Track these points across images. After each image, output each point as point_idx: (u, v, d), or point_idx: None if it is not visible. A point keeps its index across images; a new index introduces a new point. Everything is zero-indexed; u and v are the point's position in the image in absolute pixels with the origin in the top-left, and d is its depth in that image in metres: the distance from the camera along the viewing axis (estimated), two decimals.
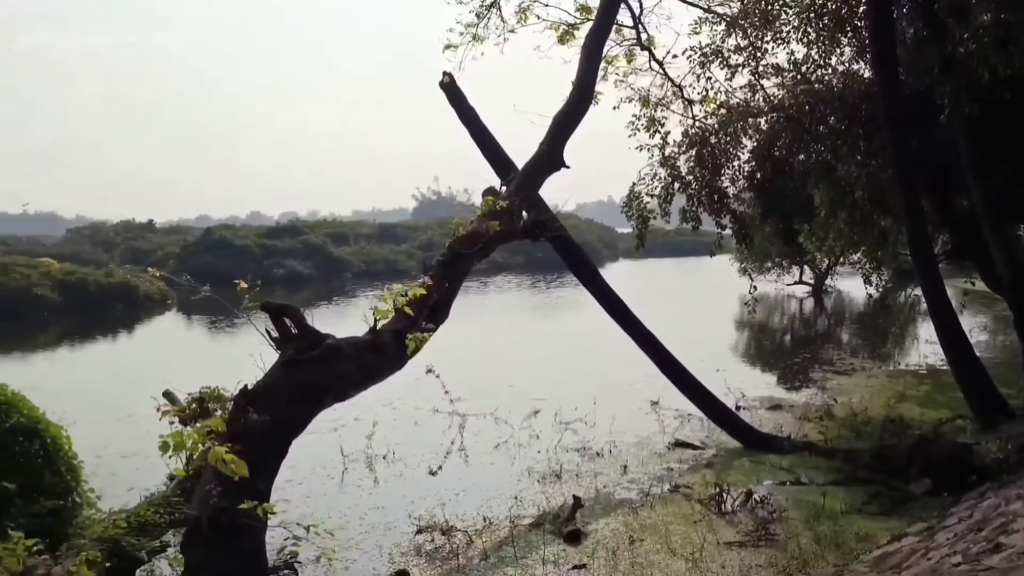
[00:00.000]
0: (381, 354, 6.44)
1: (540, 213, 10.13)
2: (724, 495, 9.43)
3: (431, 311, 7.01)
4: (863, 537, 8.18)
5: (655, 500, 9.81)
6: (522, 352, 23.53)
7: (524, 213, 9.25)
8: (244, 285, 6.31)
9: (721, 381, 15.04)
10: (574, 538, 8.56)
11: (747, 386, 16.14)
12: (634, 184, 15.88)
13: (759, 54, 15.03)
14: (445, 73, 11.20)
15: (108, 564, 6.57)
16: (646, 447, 12.60)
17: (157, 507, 7.56)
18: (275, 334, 6.10)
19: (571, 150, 10.50)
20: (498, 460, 12.22)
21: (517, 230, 8.45)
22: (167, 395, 9.37)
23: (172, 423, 7.82)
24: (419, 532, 8.91)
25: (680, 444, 12.65)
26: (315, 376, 5.80)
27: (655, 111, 15.51)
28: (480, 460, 12.21)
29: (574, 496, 9.47)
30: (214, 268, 52.43)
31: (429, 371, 13.25)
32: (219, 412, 6.79)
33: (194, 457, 5.11)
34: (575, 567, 7.78)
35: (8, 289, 36.66)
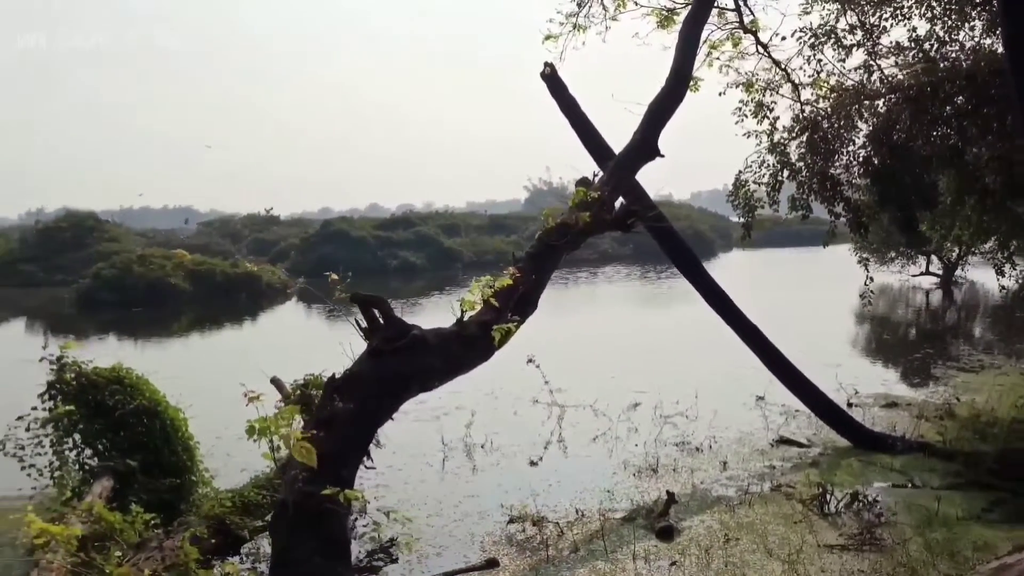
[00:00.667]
0: (467, 345, 6.51)
1: (636, 203, 9.98)
2: (828, 496, 9.04)
3: (518, 303, 7.02)
4: (981, 546, 7.66)
5: (754, 498, 9.51)
6: (626, 343, 23.30)
7: (617, 203, 9.14)
8: (335, 277, 6.52)
9: (832, 377, 14.40)
10: (666, 534, 8.42)
11: (861, 382, 15.37)
12: (740, 172, 15.37)
13: (876, 32, 14.21)
14: (546, 63, 11.18)
15: (214, 541, 7.01)
16: (748, 443, 12.23)
17: (261, 488, 8.00)
18: (365, 324, 6.25)
19: (684, 137, 10.29)
20: (595, 452, 12.15)
21: (608, 221, 8.33)
22: (274, 381, 9.88)
23: (277, 409, 8.27)
24: (511, 522, 9.00)
25: (784, 441, 12.20)
26: (400, 366, 5.93)
27: (762, 96, 14.94)
28: (577, 452, 12.18)
29: (668, 492, 9.31)
30: (332, 259, 54.60)
31: (530, 361, 13.40)
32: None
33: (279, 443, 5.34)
34: (667, 563, 7.67)
35: (147, 279, 39.51)
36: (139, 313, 36.34)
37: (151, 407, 8.76)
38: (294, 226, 79.60)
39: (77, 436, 8.43)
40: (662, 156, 9.84)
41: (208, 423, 10.97)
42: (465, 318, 6.71)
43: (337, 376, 5.88)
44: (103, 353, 24.58)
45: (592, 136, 11.62)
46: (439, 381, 6.48)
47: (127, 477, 8.11)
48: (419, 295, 41.84)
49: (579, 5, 14.61)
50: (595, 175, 9.28)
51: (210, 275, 41.06)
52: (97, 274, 40.18)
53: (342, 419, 5.38)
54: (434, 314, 32.21)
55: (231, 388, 6.31)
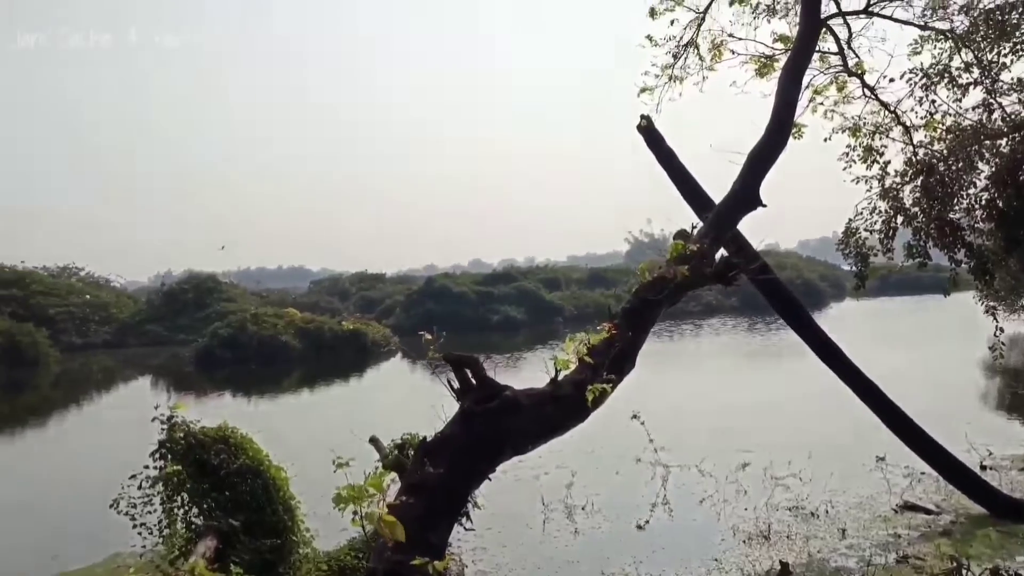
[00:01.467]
0: (561, 407, 6.31)
1: (737, 254, 9.61)
2: (964, 570, 8.22)
3: (615, 360, 6.78)
4: None
5: (877, 571, 8.77)
6: (733, 399, 22.40)
7: (719, 254, 8.81)
8: (428, 337, 6.48)
9: (961, 436, 13.32)
10: None
11: (995, 442, 14.15)
12: (850, 219, 14.66)
13: (995, 69, 13.41)
14: (642, 116, 11.08)
15: None
16: (869, 509, 11.37)
17: (358, 552, 7.94)
18: (457, 385, 6.16)
19: (789, 184, 9.91)
20: (701, 516, 11.58)
21: (708, 274, 8.01)
22: (372, 441, 9.87)
23: (376, 467, 8.25)
24: None
25: (910, 507, 11.27)
26: (492, 428, 5.78)
27: (871, 140, 14.30)
28: (682, 515, 11.63)
29: (781, 562, 8.71)
30: (434, 315, 55.63)
31: (634, 417, 12.99)
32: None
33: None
34: None
35: (260, 337, 41.23)
36: (253, 370, 37.85)
37: (254, 466, 8.91)
38: (399, 283, 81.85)
39: (185, 495, 8.63)
40: (764, 206, 9.48)
41: (312, 481, 11.09)
42: (559, 377, 6.52)
43: (429, 439, 5.78)
44: (220, 409, 25.74)
45: (691, 187, 11.38)
46: (533, 444, 6.29)
47: (230, 536, 8.22)
48: (519, 350, 41.85)
49: (675, 57, 14.51)
50: (693, 227, 9.02)
51: (319, 332, 42.43)
52: (214, 333, 42.25)
53: (432, 484, 5.26)
54: (535, 369, 32.08)
55: (335, 445, 6.33)
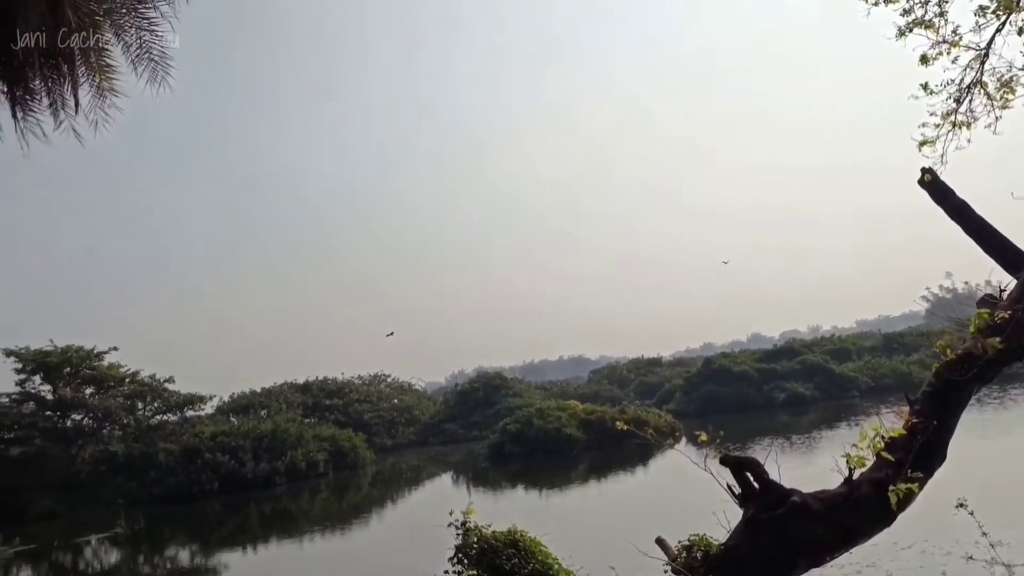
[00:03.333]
0: (859, 511, 5.66)
1: None
2: None
3: (919, 455, 6.00)
4: None
5: None
6: None
7: None
8: (704, 436, 6.24)
9: None
10: None
11: None
12: None
13: None
14: (924, 170, 10.08)
15: None
16: None
17: None
18: (738, 489, 5.81)
19: None
20: None
21: None
22: (659, 542, 9.60)
23: (665, 571, 7.97)
24: None
25: None
26: (781, 539, 5.33)
27: None
28: None
29: None
30: (716, 396, 53.92)
31: (960, 505, 11.32)
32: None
33: None
34: None
35: (545, 431, 42.61)
36: (540, 463, 39.03)
37: (544, 572, 9.04)
38: (676, 366, 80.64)
39: None
40: None
41: None
42: (854, 476, 5.89)
43: (713, 550, 5.47)
44: (512, 503, 26.75)
45: (993, 240, 9.99)
46: (831, 555, 5.68)
47: None
48: (811, 430, 38.82)
49: (957, 101, 13.14)
50: (1001, 289, 7.86)
51: (600, 422, 42.86)
52: (504, 429, 44.43)
53: None
54: (826, 452, 29.42)
55: (619, 544, 6.25)
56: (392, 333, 64.31)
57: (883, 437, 5.97)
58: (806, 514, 5.47)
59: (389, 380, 74.28)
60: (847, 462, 5.96)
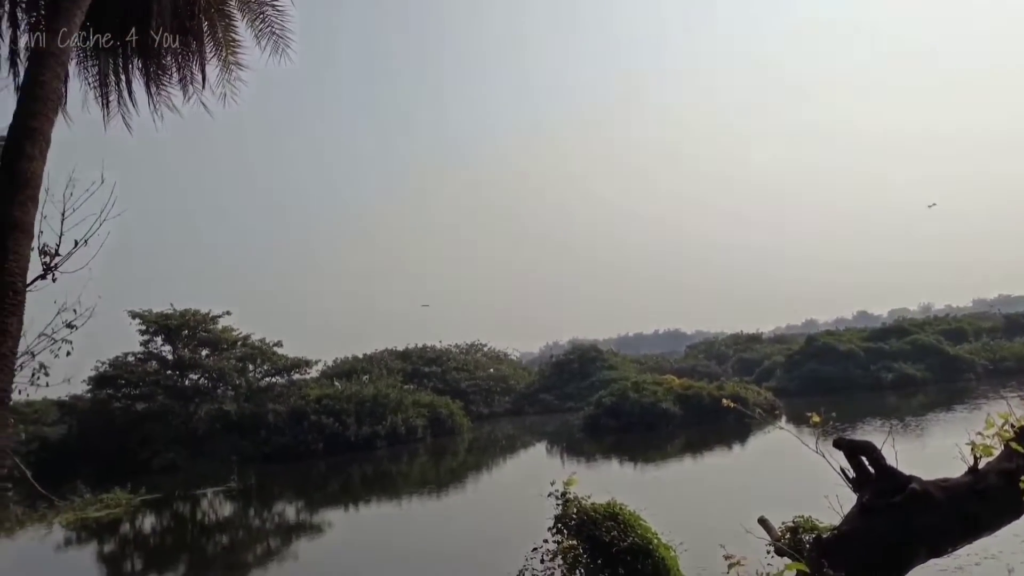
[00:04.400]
0: (985, 502, 5.39)
1: None
2: None
3: None
4: None
5: None
6: None
7: None
8: (817, 418, 6.07)
9: None
10: None
11: None
12: None
13: None
14: None
15: None
16: None
17: None
18: (852, 473, 5.62)
19: None
20: None
21: None
22: (762, 522, 9.43)
23: (768, 551, 7.83)
24: None
25: None
26: (898, 527, 5.13)
27: None
28: None
29: None
30: (819, 375, 52.20)
31: None
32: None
33: None
34: None
35: (641, 404, 42.33)
36: (635, 436, 38.88)
37: (644, 545, 9.05)
38: (777, 343, 78.46)
39: (581, 570, 9.04)
40: None
41: (697, 558, 10.91)
42: (980, 465, 5.61)
43: (825, 533, 5.33)
44: (608, 475, 26.79)
45: None
46: (953, 545, 5.43)
47: None
48: (923, 412, 37.09)
49: None
50: None
51: (697, 398, 42.24)
52: (599, 401, 44.41)
53: None
54: (944, 437, 28.05)
55: (718, 520, 6.18)
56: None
57: (1012, 426, 5.65)
58: (927, 502, 5.25)
59: (485, 349, 75.30)
60: (972, 450, 5.68)
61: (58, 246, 6.46)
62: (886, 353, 54.27)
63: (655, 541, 9.27)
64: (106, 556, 23.03)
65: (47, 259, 6.46)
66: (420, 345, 66.81)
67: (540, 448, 41.12)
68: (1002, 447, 5.71)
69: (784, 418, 41.41)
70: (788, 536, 8.51)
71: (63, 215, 6.43)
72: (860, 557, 5.05)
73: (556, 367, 66.40)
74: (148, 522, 27.60)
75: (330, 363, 59.08)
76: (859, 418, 35.69)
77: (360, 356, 61.68)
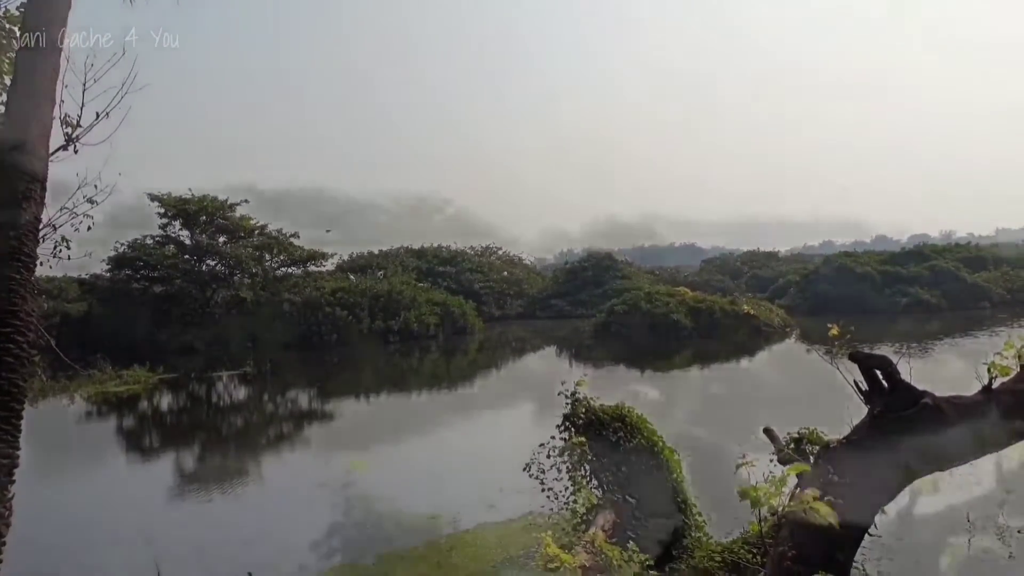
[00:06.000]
0: (997, 420, 5.42)
1: None
2: None
3: None
4: None
5: None
6: None
7: None
8: (835, 331, 6.06)
9: None
10: None
11: None
12: None
13: None
14: None
15: None
16: None
17: (752, 546, 7.77)
18: (865, 386, 5.65)
19: None
20: None
21: None
22: (767, 432, 9.59)
23: (771, 460, 7.98)
24: None
25: None
26: (908, 439, 5.19)
27: None
28: None
29: None
30: (833, 296, 52.10)
31: None
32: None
33: (769, 511, 5.07)
34: None
35: (653, 315, 42.59)
36: (645, 345, 39.29)
37: (649, 447, 9.22)
38: (793, 262, 78.06)
39: (587, 467, 9.26)
40: None
41: (706, 466, 11.16)
42: (995, 384, 5.61)
43: (833, 443, 5.40)
44: (616, 381, 27.26)
45: None
46: (959, 460, 5.51)
47: (626, 512, 8.64)
48: (933, 338, 37.14)
49: None
50: None
51: (709, 311, 42.39)
52: (611, 309, 44.69)
53: (838, 496, 4.89)
54: (952, 363, 28.17)
55: (724, 429, 6.27)
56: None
57: None
58: (938, 417, 5.29)
59: (500, 253, 75.39)
60: (988, 369, 5.68)
61: (79, 116, 6.38)
62: (903, 277, 53.96)
63: (660, 443, 9.44)
64: (125, 430, 23.86)
65: (69, 129, 6.39)
66: (435, 244, 67.04)
67: (550, 352, 41.72)
68: (1019, 368, 5.70)
69: (796, 335, 41.62)
70: (792, 447, 8.63)
71: (84, 85, 6.31)
72: (867, 465, 5.12)
73: (570, 274, 66.59)
74: (165, 400, 28.42)
75: (345, 257, 59.49)
76: (872, 340, 35.83)
77: (376, 252, 62.04)
